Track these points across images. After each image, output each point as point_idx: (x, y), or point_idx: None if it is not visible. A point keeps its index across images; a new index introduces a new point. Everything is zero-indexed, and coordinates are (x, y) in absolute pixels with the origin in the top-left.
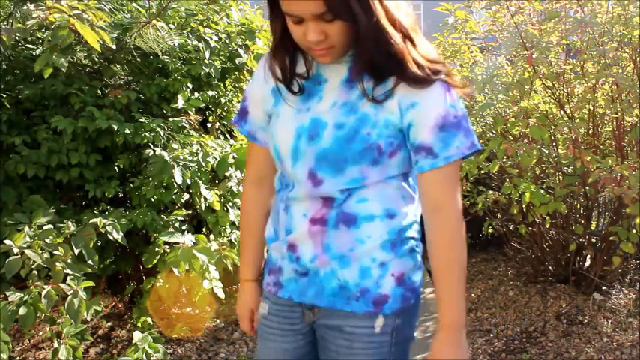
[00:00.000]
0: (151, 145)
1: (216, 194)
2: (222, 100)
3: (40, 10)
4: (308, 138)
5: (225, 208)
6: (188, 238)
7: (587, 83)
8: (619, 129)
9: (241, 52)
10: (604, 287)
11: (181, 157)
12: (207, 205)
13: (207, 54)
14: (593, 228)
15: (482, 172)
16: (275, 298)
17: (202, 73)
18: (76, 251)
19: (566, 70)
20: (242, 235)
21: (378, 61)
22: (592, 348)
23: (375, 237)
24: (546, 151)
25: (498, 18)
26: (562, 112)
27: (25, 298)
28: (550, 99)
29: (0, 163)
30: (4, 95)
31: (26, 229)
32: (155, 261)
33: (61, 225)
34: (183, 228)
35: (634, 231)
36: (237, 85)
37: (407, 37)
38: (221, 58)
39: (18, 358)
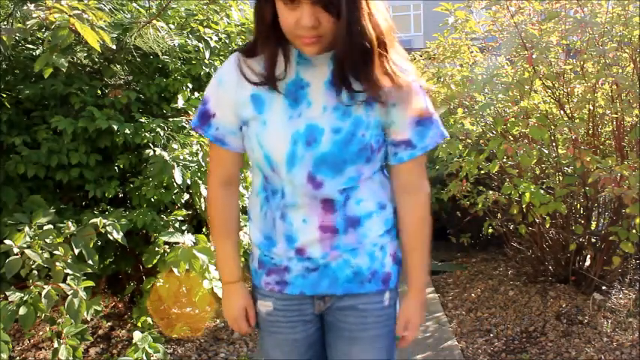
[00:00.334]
0: (151, 145)
1: None
2: None
3: (40, 10)
4: (305, 143)
5: None
6: (188, 238)
7: (587, 83)
8: (619, 129)
9: None
10: (604, 287)
11: (181, 157)
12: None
13: (207, 54)
14: (593, 228)
15: (482, 172)
16: (279, 295)
17: (202, 73)
18: (76, 251)
19: (566, 70)
20: (216, 238)
21: (352, 59)
22: (592, 348)
23: (376, 229)
24: (546, 151)
25: (498, 18)
26: (562, 112)
27: (25, 298)
28: (550, 99)
29: (0, 163)
30: (4, 95)
31: (26, 229)
32: (155, 261)
33: (61, 225)
34: (183, 228)
35: (634, 231)
36: None
37: (381, 42)
38: (221, 58)
39: (18, 358)
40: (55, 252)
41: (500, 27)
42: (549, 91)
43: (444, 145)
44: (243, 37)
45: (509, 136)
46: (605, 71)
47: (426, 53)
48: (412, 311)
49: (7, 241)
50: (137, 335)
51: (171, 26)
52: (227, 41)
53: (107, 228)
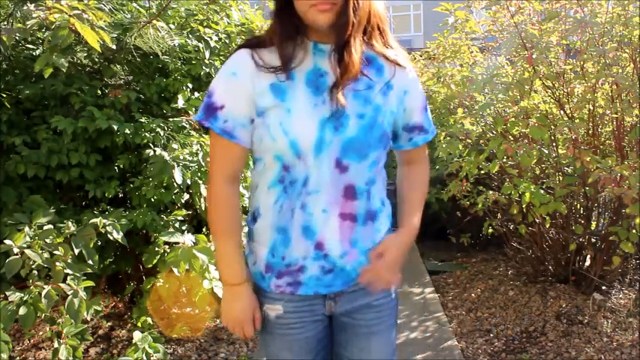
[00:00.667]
0: (151, 145)
1: None
2: None
3: (40, 10)
4: (333, 129)
5: None
6: (188, 238)
7: (587, 83)
8: (619, 129)
9: None
10: (604, 287)
11: (181, 157)
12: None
13: (207, 54)
14: (593, 228)
15: (482, 172)
16: (290, 297)
17: (202, 73)
18: (76, 251)
19: (566, 70)
20: (218, 237)
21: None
22: (592, 348)
23: (385, 225)
24: (546, 151)
25: (498, 18)
26: (562, 112)
27: (25, 298)
28: (550, 99)
29: (0, 163)
30: (4, 95)
31: (26, 229)
32: (155, 261)
33: (61, 225)
34: (183, 228)
35: (634, 231)
36: None
37: (380, 19)
38: (221, 58)
39: (18, 358)
40: (55, 252)
41: (500, 27)
42: (549, 91)
43: (444, 145)
44: (243, 37)
45: (509, 136)
46: (605, 71)
47: (426, 53)
48: (391, 243)
49: (7, 241)
50: (137, 335)
51: (172, 26)
52: (227, 41)
53: (107, 228)
